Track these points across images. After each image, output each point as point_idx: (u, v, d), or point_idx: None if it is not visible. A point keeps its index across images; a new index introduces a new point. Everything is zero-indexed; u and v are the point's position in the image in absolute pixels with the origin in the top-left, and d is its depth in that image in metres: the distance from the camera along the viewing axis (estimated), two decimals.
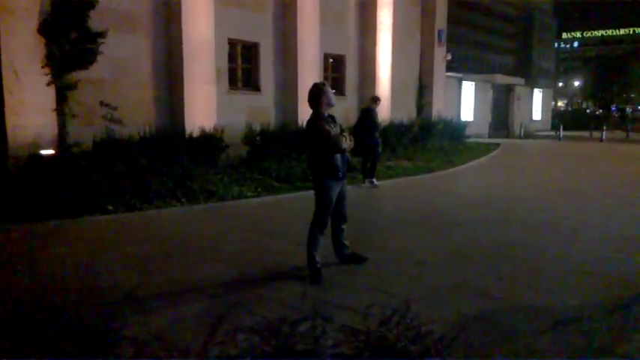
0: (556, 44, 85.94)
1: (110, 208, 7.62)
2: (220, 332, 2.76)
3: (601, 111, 47.08)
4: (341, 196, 5.20)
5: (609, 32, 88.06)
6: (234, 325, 2.88)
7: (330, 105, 5.08)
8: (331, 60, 16.59)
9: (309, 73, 14.31)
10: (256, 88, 13.90)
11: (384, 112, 16.99)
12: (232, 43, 13.20)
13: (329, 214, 5.12)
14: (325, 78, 15.62)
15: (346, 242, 5.39)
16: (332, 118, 5.16)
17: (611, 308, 4.23)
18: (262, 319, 2.89)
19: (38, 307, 4.06)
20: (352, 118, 10.69)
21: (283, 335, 2.75)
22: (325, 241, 5.18)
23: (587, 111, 49.04)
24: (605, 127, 26.75)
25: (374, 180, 10.61)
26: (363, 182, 10.55)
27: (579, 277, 5.11)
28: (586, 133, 29.06)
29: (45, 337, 2.94)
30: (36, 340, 2.92)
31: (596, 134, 27.35)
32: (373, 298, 4.17)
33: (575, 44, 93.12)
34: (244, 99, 13.51)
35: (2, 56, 8.50)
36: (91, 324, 2.92)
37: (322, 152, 4.99)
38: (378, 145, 10.55)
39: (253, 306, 4.17)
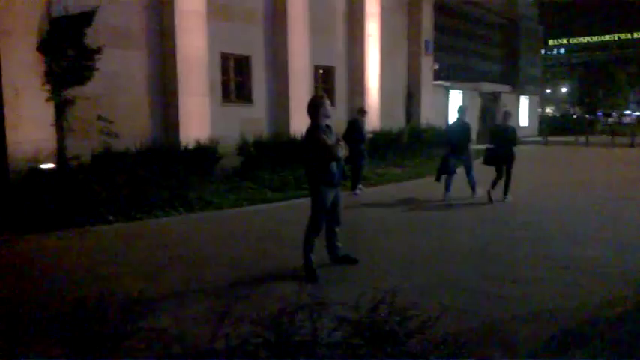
0: (543, 51, 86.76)
1: (111, 218, 7.90)
2: (225, 324, 3.07)
3: (587, 116, 47.85)
4: (335, 202, 5.56)
5: (594, 39, 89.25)
6: (238, 318, 3.19)
7: (327, 117, 5.45)
8: (321, 71, 16.98)
9: (300, 84, 14.70)
10: (249, 100, 14.24)
11: (373, 121, 17.37)
12: (225, 57, 13.54)
13: (324, 218, 5.47)
14: (315, 89, 16.00)
15: (339, 244, 5.74)
16: (329, 128, 5.51)
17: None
18: (263, 311, 3.19)
19: (49, 315, 4.33)
20: (342, 128, 10.97)
21: (283, 324, 3.06)
22: (319, 243, 5.51)
23: (574, 117, 49.78)
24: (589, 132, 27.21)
25: (357, 191, 10.87)
26: (353, 190, 10.80)
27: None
28: (572, 139, 29.59)
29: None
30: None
31: (582, 139, 27.89)
32: (364, 293, 4.48)
33: (562, 51, 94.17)
34: (237, 111, 13.84)
35: (3, 74, 8.77)
36: (99, 329, 3.15)
37: (319, 160, 5.35)
38: (363, 157, 10.84)
39: (254, 302, 4.48)
